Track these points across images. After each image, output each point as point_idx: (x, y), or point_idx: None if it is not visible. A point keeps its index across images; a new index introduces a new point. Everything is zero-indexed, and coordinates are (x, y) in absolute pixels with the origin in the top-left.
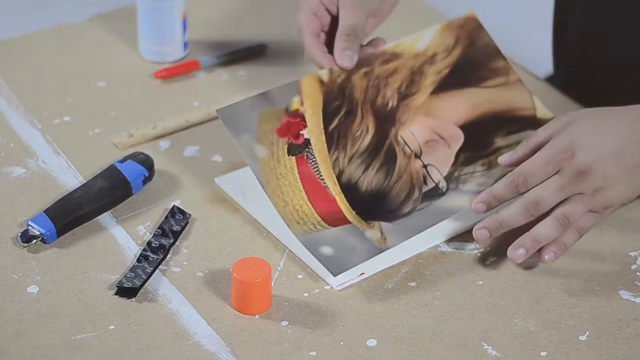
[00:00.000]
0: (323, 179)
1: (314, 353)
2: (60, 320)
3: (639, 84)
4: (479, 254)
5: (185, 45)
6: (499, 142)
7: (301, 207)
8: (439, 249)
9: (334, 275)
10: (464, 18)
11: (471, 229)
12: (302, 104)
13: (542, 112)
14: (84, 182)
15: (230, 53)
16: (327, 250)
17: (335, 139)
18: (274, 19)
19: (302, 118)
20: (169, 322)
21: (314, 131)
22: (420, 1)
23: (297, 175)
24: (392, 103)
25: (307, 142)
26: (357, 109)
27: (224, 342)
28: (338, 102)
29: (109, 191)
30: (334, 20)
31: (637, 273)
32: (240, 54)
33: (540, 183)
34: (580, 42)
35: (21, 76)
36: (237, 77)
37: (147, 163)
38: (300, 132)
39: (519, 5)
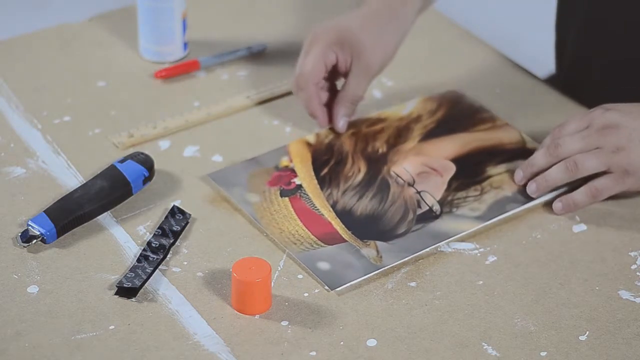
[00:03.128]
0: (318, 209)
1: (314, 353)
2: (60, 320)
3: None
4: (479, 254)
5: (185, 45)
6: (490, 170)
7: (297, 231)
8: (439, 249)
9: (331, 289)
10: (445, 91)
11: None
12: (290, 161)
13: (532, 144)
14: (84, 182)
15: (230, 53)
16: (324, 265)
17: (327, 181)
18: (274, 19)
19: (292, 171)
20: (169, 322)
21: (305, 178)
22: None
23: (292, 210)
24: (382, 150)
25: (299, 186)
26: (348, 157)
27: (224, 342)
28: (327, 156)
29: (109, 191)
30: (334, 73)
31: (637, 273)
32: (240, 54)
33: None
34: (582, 42)
35: (21, 76)
36: (237, 77)
37: (147, 163)
38: (292, 181)
39: (522, 4)
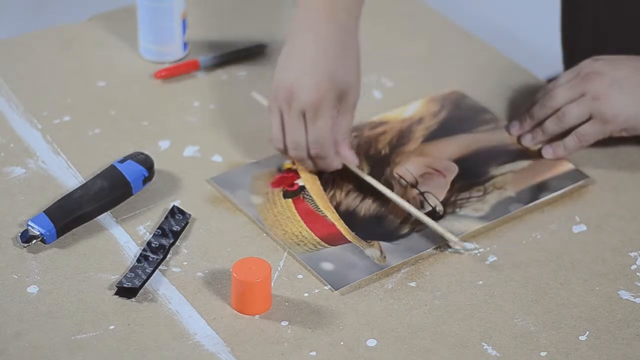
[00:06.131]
0: (321, 211)
1: (314, 353)
2: (60, 320)
3: None
4: (479, 254)
5: (185, 45)
6: (493, 171)
7: (300, 232)
8: (439, 249)
9: (335, 289)
10: (448, 91)
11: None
12: (293, 164)
13: None
14: (84, 182)
15: (230, 53)
16: (327, 266)
17: (330, 182)
18: (274, 19)
19: (295, 172)
20: (169, 322)
21: (308, 179)
22: (422, 5)
23: (295, 211)
24: (384, 151)
25: (302, 187)
26: None
27: (224, 342)
28: None
29: (109, 191)
30: None
31: (637, 273)
32: (240, 54)
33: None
34: (590, 41)
35: (21, 76)
36: (237, 77)
37: (147, 163)
38: (295, 182)
39: (522, 4)
